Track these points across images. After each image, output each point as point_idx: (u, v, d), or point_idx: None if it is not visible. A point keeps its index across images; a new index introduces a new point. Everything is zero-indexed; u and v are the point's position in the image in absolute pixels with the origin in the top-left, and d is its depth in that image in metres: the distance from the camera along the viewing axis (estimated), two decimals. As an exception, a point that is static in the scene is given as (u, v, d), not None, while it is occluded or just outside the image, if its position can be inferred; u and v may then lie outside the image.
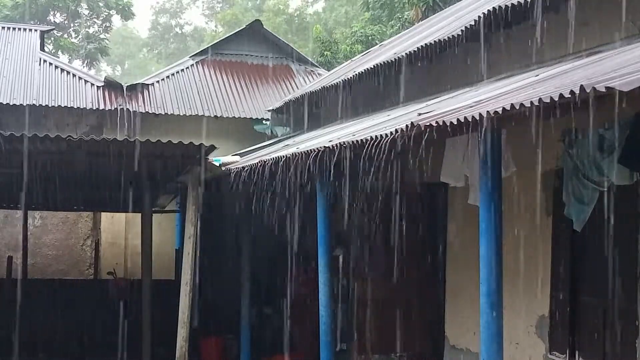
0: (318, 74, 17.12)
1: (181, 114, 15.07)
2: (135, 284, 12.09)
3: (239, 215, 11.14)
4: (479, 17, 7.83)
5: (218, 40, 18.98)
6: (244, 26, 18.27)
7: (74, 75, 15.82)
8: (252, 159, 9.24)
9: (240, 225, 11.40)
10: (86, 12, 33.01)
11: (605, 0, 6.59)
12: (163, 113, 15.03)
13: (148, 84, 15.79)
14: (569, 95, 3.84)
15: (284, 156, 7.51)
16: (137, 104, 15.07)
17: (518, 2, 7.16)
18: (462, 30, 8.22)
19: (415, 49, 9.20)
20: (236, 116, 15.33)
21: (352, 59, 16.18)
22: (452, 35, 8.43)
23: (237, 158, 10.36)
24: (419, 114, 6.06)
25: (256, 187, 8.54)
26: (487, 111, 4.48)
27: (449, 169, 6.86)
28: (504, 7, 7.42)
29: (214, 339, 12.19)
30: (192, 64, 16.95)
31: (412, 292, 9.44)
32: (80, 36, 32.80)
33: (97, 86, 15.35)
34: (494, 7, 7.59)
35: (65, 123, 14.40)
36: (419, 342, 9.50)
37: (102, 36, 33.29)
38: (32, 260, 13.90)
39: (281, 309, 11.22)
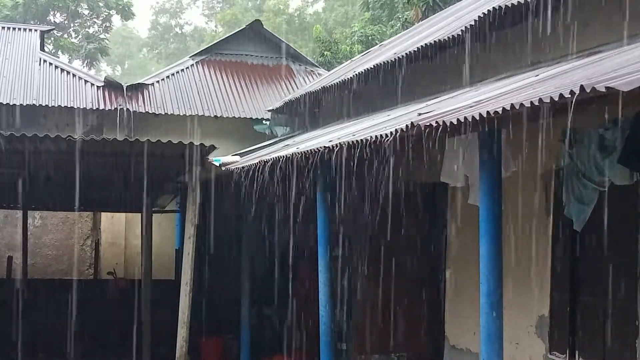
0: (318, 74, 17.10)
1: (181, 114, 15.04)
2: (135, 284, 12.09)
3: (239, 215, 11.14)
4: (479, 17, 7.82)
5: (218, 40, 18.95)
6: (244, 26, 18.24)
7: (74, 75, 15.80)
8: (252, 159, 9.24)
9: (240, 225, 11.40)
10: (86, 12, 33.05)
11: (605, 0, 6.59)
12: (163, 113, 15.00)
13: (148, 84, 15.76)
14: (569, 95, 3.84)
15: (283, 156, 7.51)
16: (137, 104, 15.05)
17: (518, 2, 7.15)
18: (462, 30, 8.21)
19: (415, 49, 9.20)
20: (236, 116, 15.31)
21: (352, 59, 16.16)
22: (452, 35, 8.43)
23: (237, 158, 10.36)
24: (419, 114, 6.06)
25: (256, 187, 8.54)
26: (487, 111, 4.47)
27: (449, 169, 6.85)
28: (504, 7, 7.41)
29: (214, 339, 12.20)
30: (192, 64, 16.93)
31: (412, 292, 9.44)
32: (80, 36, 32.79)
33: (97, 86, 15.32)
34: (494, 7, 7.58)
35: (65, 123, 14.38)
36: (419, 342, 9.50)
37: (102, 36, 33.26)
38: (32, 260, 13.89)
39: (281, 309, 11.23)
